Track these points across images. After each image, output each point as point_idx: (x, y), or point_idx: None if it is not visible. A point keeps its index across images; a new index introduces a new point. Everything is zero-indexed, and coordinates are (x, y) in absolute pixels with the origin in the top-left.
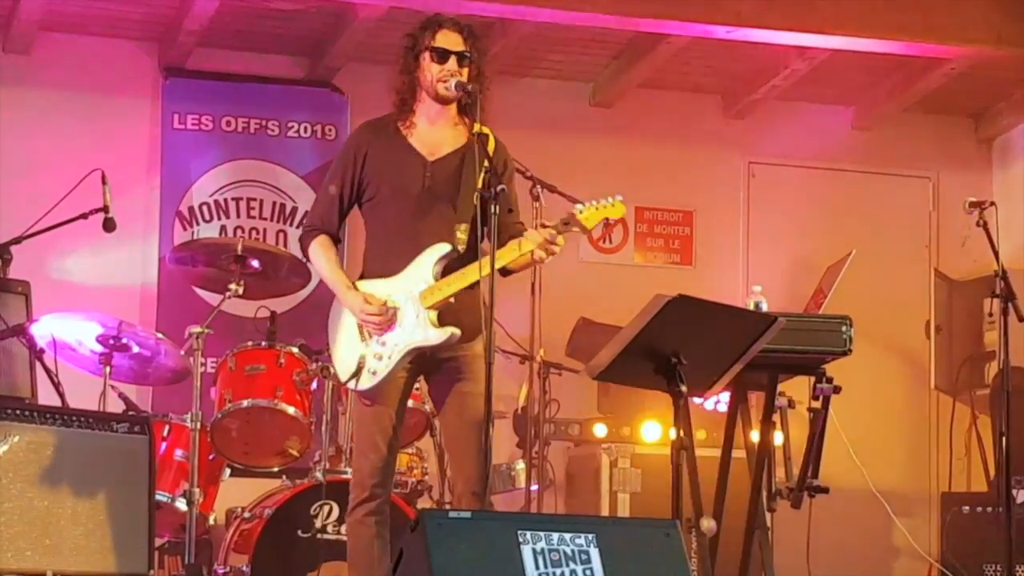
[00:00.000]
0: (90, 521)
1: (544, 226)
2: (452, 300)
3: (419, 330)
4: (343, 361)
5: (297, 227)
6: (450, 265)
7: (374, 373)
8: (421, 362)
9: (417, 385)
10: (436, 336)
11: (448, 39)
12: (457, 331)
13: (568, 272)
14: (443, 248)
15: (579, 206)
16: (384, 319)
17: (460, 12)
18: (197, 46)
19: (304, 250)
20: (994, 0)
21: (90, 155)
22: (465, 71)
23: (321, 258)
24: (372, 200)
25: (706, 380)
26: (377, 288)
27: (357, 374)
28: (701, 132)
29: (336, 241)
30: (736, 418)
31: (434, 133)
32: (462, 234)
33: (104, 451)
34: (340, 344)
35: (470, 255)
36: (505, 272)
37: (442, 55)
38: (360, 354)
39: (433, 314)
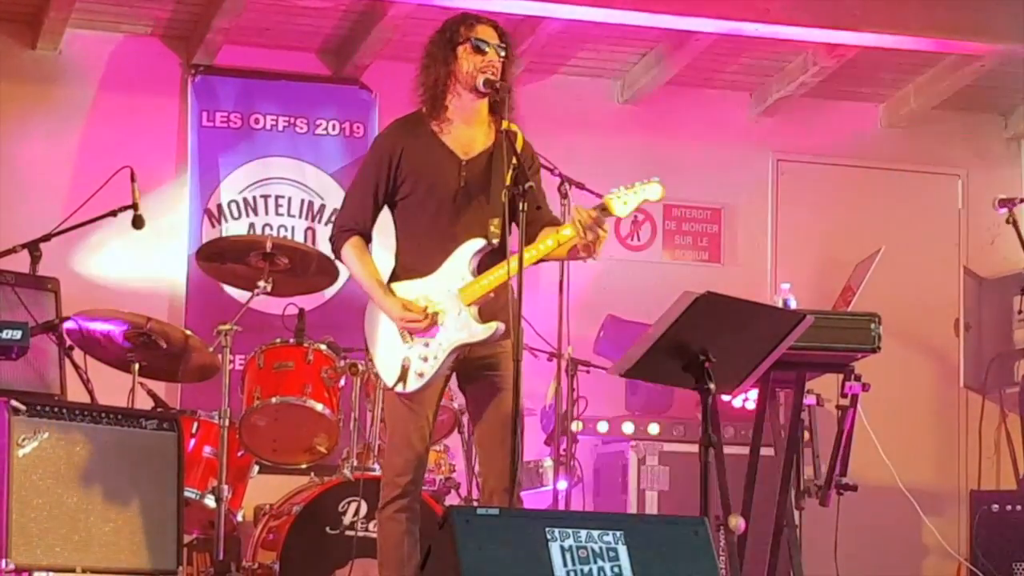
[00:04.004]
0: (119, 517)
1: (579, 214)
2: (492, 295)
3: (464, 328)
4: (386, 365)
5: (326, 224)
6: (485, 259)
7: (421, 375)
8: (457, 363)
9: None
10: (481, 332)
11: (487, 33)
12: (501, 325)
13: (596, 269)
14: (478, 243)
15: (614, 191)
16: (425, 324)
17: (489, 9)
18: (226, 43)
19: (337, 251)
20: None
21: (119, 152)
22: (499, 66)
23: (356, 262)
24: (406, 200)
25: (734, 377)
26: (413, 288)
27: (403, 377)
28: (729, 129)
29: (368, 241)
30: (765, 416)
31: (467, 132)
32: (495, 228)
33: (133, 448)
34: (380, 348)
35: (504, 249)
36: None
37: (483, 47)
38: (403, 356)
39: (474, 310)
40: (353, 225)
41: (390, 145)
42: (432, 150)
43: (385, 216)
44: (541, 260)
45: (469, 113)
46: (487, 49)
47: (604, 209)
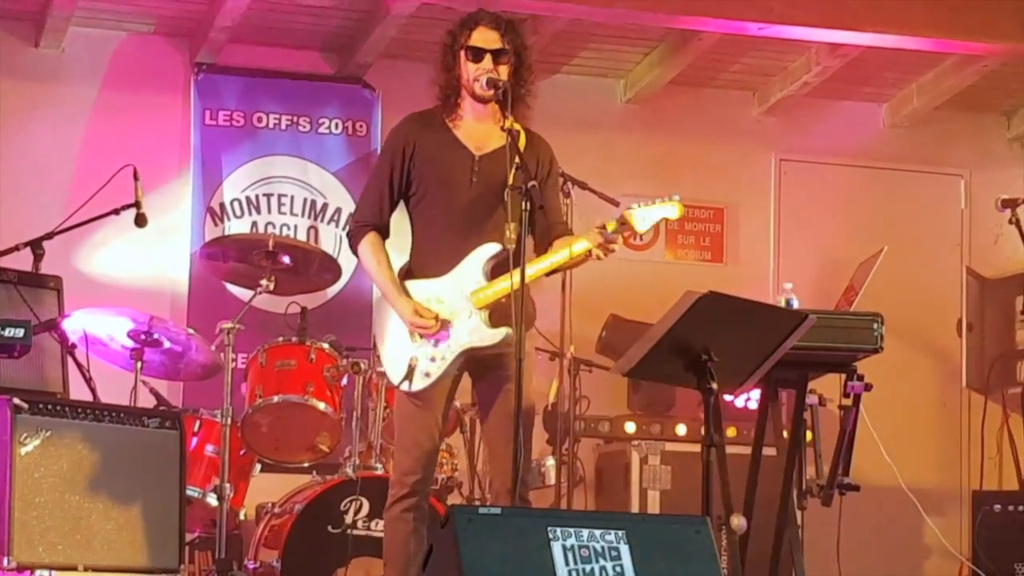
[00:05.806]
0: (121, 516)
1: (599, 229)
2: (504, 300)
3: (475, 332)
4: (393, 363)
5: (328, 223)
6: (499, 264)
7: (427, 375)
8: (468, 361)
9: None
10: (491, 337)
11: (484, 37)
12: (511, 331)
13: (599, 269)
14: (493, 248)
15: (634, 206)
16: (434, 329)
17: (490, 8)
18: (229, 42)
19: (354, 246)
20: None
21: (122, 150)
22: (503, 68)
23: (372, 259)
24: (418, 194)
25: (737, 377)
26: (425, 289)
27: (409, 376)
28: (733, 129)
29: (385, 235)
30: (767, 415)
31: (480, 128)
32: (512, 232)
33: (135, 446)
34: (388, 345)
35: (520, 253)
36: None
37: (477, 54)
38: (410, 355)
39: (485, 314)
40: (370, 220)
41: (403, 138)
42: (445, 145)
43: (400, 218)
44: (553, 272)
45: (481, 112)
46: (482, 56)
47: (624, 223)
